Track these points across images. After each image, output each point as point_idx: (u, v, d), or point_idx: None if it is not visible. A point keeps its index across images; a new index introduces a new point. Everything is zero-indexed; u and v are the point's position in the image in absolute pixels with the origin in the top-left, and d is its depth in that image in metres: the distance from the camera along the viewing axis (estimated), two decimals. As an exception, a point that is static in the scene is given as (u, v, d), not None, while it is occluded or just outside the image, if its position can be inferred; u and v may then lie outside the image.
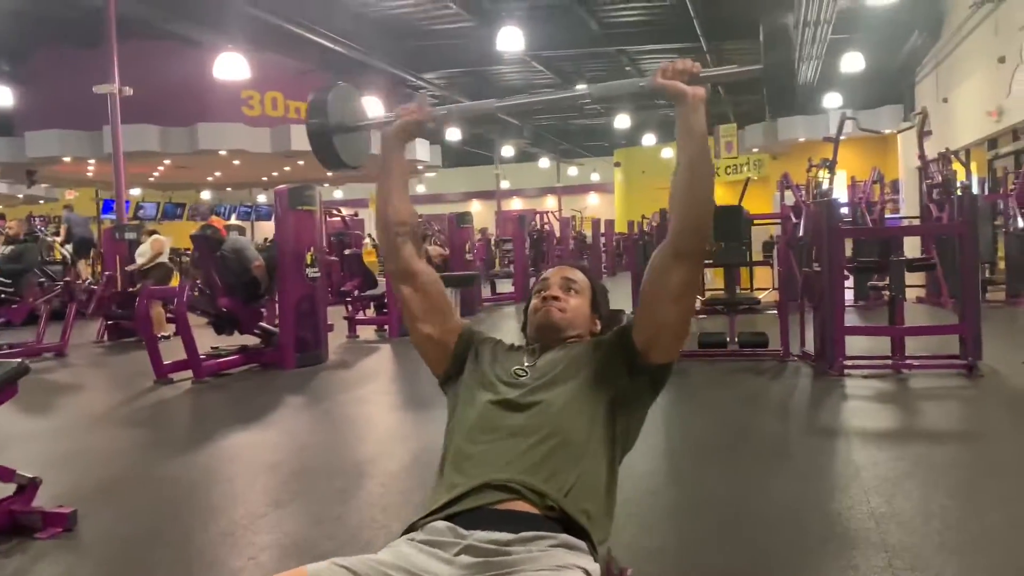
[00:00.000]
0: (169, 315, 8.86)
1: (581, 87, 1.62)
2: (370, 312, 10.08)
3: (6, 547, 2.97)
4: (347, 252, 9.76)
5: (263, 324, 7.63)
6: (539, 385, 1.59)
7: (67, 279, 9.51)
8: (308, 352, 7.40)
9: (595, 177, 29.28)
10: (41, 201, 22.57)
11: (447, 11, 13.83)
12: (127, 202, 24.28)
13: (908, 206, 15.38)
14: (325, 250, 8.60)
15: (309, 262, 7.49)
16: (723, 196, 10.77)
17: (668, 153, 23.13)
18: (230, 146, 16.22)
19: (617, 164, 25.35)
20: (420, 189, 27.58)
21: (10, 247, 9.15)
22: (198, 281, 8.06)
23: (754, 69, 1.61)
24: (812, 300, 6.15)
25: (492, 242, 18.94)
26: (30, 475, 3.20)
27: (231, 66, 11.92)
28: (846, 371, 5.70)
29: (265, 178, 22.16)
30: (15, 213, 16.91)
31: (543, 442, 1.50)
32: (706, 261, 1.83)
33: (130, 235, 10.65)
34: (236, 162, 18.20)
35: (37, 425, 5.38)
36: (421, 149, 19.30)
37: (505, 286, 14.19)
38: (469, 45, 15.01)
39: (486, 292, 13.84)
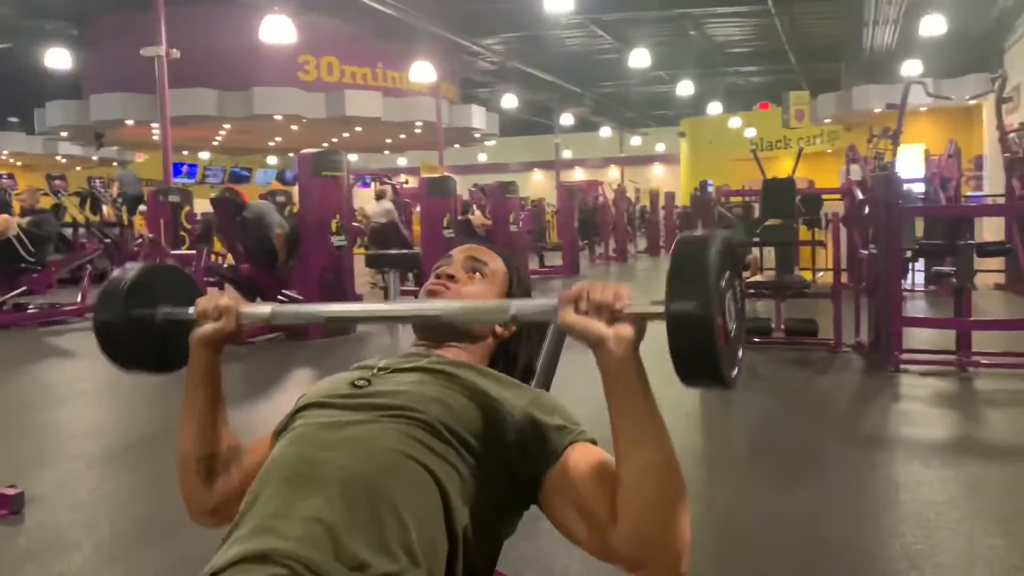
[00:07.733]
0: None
1: (438, 305, 1.27)
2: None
3: None
4: (384, 221, 9.48)
5: (287, 291, 7.40)
6: (383, 397, 1.14)
7: (107, 240, 9.49)
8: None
9: (660, 147, 28.31)
10: (115, 163, 22.88)
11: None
12: (194, 166, 24.77)
13: (993, 183, 14.20)
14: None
15: (335, 230, 7.21)
16: (790, 169, 10.00)
17: (736, 123, 22.10)
18: (285, 111, 16.16)
19: (682, 134, 24.37)
20: (481, 158, 27.21)
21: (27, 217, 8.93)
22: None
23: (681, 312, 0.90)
24: (863, 283, 5.57)
25: (549, 213, 18.48)
26: None
27: (278, 29, 11.69)
28: (902, 366, 5.10)
29: (325, 144, 22.10)
30: (82, 175, 17.23)
31: (347, 493, 1.00)
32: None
33: (174, 198, 10.60)
34: (294, 127, 18.15)
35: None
36: (477, 116, 18.90)
37: (555, 259, 13.75)
38: (525, 9, 14.44)
39: (534, 265, 13.45)
